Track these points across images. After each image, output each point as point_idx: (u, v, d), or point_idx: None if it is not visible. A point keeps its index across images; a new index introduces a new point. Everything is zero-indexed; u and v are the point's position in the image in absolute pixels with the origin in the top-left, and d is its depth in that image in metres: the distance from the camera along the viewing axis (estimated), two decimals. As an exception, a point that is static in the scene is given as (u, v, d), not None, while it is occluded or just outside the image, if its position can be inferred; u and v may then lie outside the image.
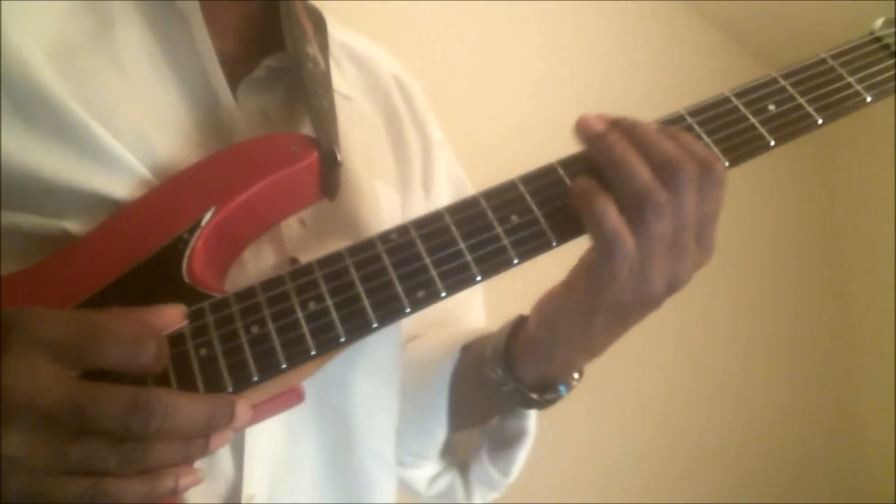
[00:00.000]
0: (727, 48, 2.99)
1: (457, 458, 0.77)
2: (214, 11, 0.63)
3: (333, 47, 0.73)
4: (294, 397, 0.52)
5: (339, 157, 0.59)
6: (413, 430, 0.73)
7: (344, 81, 0.74)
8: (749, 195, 2.61)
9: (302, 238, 0.62)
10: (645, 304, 0.54)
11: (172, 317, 0.48)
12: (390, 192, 0.72)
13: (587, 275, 0.54)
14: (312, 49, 0.67)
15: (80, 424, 0.41)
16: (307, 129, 0.66)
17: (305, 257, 0.61)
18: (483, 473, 0.73)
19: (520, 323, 0.65)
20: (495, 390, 0.65)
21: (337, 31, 0.76)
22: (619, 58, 2.54)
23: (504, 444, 0.73)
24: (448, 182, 0.82)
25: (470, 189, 0.84)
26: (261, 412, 0.50)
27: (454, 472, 0.76)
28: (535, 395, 0.63)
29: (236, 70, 0.64)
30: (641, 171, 0.51)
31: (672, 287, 0.54)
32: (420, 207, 0.75)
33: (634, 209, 0.51)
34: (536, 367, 0.63)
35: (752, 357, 2.74)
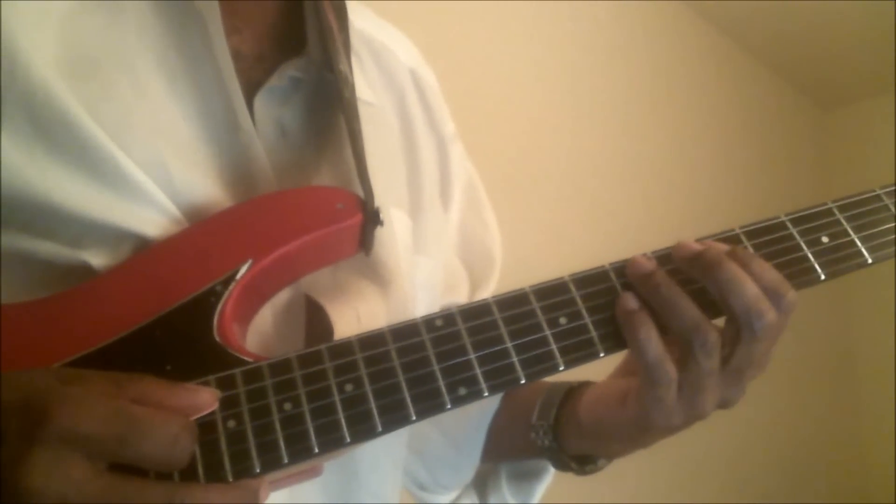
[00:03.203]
0: (727, 48, 3.00)
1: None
2: (234, 5, 0.60)
3: (354, 40, 0.69)
4: (312, 472, 0.51)
5: (381, 218, 0.57)
6: (446, 467, 0.75)
7: (366, 85, 0.71)
8: (747, 194, 2.64)
9: (318, 273, 0.60)
10: (695, 421, 0.55)
11: (206, 402, 0.45)
12: (404, 219, 0.70)
13: (637, 397, 0.54)
14: (343, 64, 0.64)
15: None
16: (326, 151, 0.64)
17: (321, 294, 0.59)
18: (502, 501, 0.75)
19: (570, 394, 0.66)
20: (534, 448, 0.66)
21: (355, 16, 0.72)
22: (619, 57, 2.53)
23: (524, 476, 0.74)
24: (457, 182, 0.79)
25: (479, 190, 0.82)
26: (276, 485, 0.49)
27: (472, 494, 0.77)
28: (574, 464, 0.64)
29: (253, 72, 0.61)
30: (688, 311, 0.51)
31: (723, 406, 0.54)
32: (433, 227, 0.73)
33: (684, 344, 0.51)
34: (582, 446, 0.64)
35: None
